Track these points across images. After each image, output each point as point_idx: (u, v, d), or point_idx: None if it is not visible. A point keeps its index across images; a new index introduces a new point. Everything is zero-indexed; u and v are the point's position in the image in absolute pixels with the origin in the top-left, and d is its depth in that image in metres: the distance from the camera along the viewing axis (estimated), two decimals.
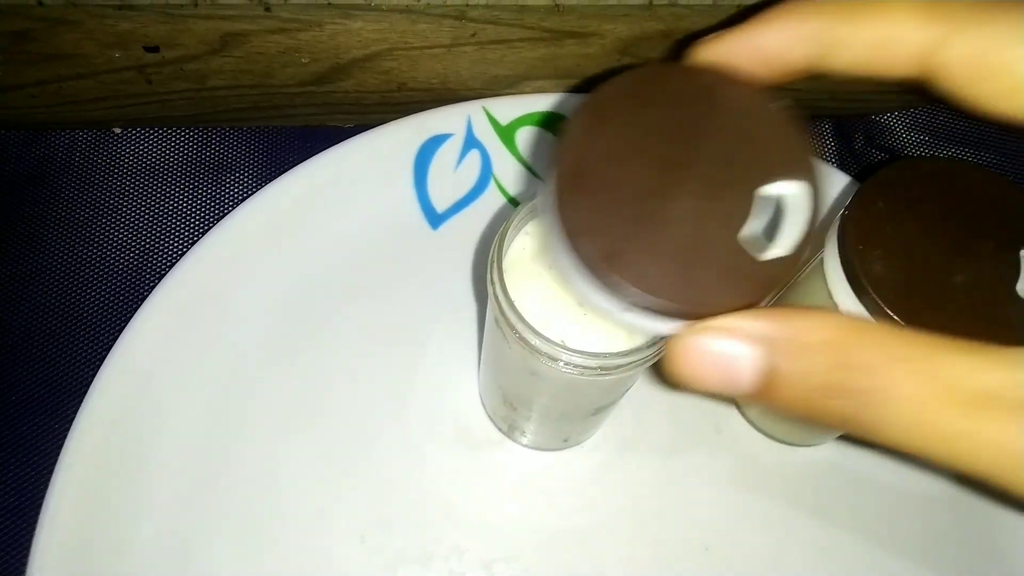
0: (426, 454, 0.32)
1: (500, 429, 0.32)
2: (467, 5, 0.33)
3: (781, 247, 0.18)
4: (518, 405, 0.28)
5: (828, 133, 0.42)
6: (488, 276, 0.21)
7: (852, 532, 0.32)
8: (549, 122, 0.38)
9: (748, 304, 0.18)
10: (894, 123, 0.41)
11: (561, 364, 0.22)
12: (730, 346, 0.17)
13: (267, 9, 0.32)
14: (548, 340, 0.22)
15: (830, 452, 0.34)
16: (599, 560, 0.31)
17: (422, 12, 0.33)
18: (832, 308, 0.25)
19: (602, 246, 0.18)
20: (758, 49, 0.20)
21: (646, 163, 0.19)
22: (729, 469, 0.33)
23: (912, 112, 0.41)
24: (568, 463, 0.33)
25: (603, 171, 0.19)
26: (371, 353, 0.34)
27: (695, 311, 0.18)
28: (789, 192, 0.19)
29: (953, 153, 0.41)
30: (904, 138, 0.41)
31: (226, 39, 0.34)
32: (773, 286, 0.18)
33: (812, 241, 0.18)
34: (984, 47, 0.17)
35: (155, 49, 0.34)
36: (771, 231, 0.19)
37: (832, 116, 0.42)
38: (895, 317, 0.22)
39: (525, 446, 0.33)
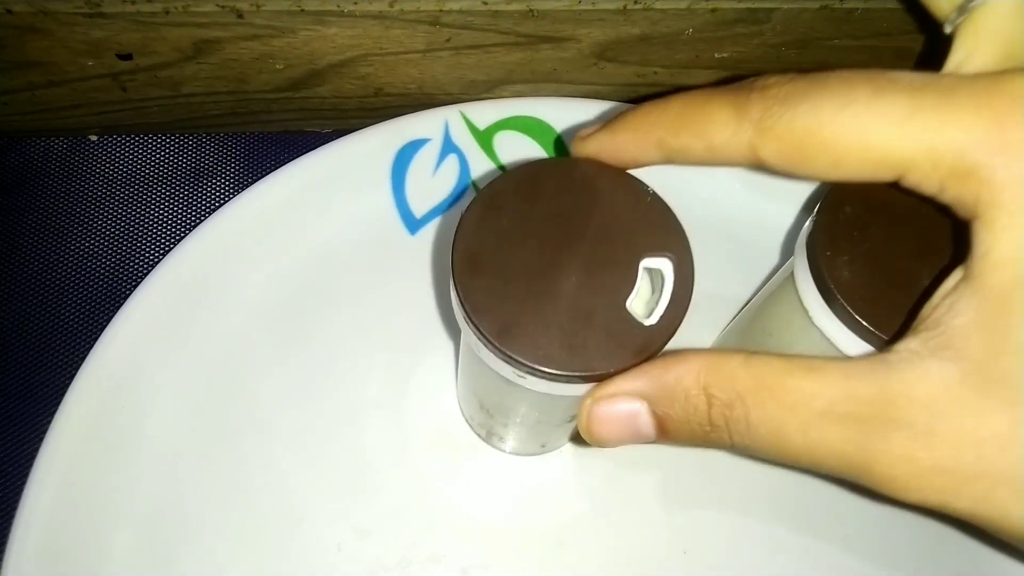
0: (404, 461, 0.32)
1: (479, 435, 0.33)
2: (440, 11, 0.33)
3: (656, 314, 0.21)
4: (494, 412, 0.28)
5: None
6: (452, 284, 0.21)
7: (833, 532, 0.32)
8: (527, 126, 0.38)
9: (631, 365, 0.21)
10: None
11: (527, 379, 0.22)
12: (624, 406, 0.20)
13: (240, 16, 0.32)
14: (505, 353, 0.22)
15: None
16: (577, 565, 0.31)
17: (395, 18, 0.33)
18: (804, 316, 0.25)
19: (497, 323, 0.21)
20: (619, 151, 0.22)
21: (535, 246, 0.22)
22: (709, 472, 0.33)
23: None
24: (547, 468, 0.33)
25: (496, 255, 0.22)
26: (348, 359, 0.34)
27: (584, 376, 0.21)
28: (662, 265, 0.22)
29: None
30: None
31: (200, 46, 0.33)
32: (651, 348, 0.21)
33: (684, 307, 0.21)
34: (795, 140, 0.19)
35: (128, 57, 0.34)
36: (647, 300, 0.22)
37: None
38: (864, 323, 0.23)
39: (503, 451, 0.33)
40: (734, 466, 0.33)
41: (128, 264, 0.37)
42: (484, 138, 0.38)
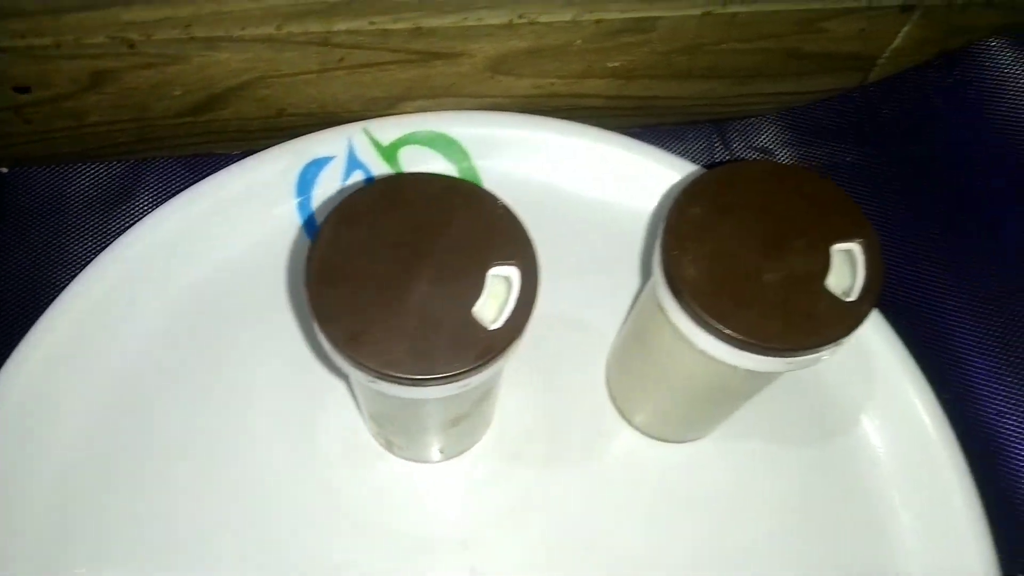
0: (311, 473, 0.33)
1: (381, 445, 0.33)
2: (329, 32, 0.34)
3: (502, 319, 0.22)
4: (380, 421, 0.29)
5: (706, 137, 0.43)
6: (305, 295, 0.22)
7: (726, 519, 0.33)
8: (431, 140, 0.39)
9: (474, 367, 0.22)
10: (770, 124, 0.43)
11: (378, 383, 0.23)
12: None
13: (131, 46, 0.33)
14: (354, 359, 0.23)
15: (704, 445, 0.35)
16: (482, 566, 0.32)
17: (285, 40, 0.34)
18: (661, 313, 0.26)
19: (346, 330, 0.22)
20: None
21: (388, 257, 0.23)
22: (608, 468, 0.34)
23: (788, 113, 0.43)
24: (452, 473, 0.34)
25: (349, 267, 0.23)
26: (256, 375, 0.35)
27: (430, 379, 0.21)
28: (508, 273, 0.23)
29: (829, 147, 0.43)
30: (776, 136, 0.43)
31: (96, 77, 0.34)
32: (494, 351, 0.22)
33: (528, 311, 0.22)
34: None
35: (26, 89, 0.34)
36: (494, 306, 0.23)
37: (710, 120, 0.43)
38: (706, 317, 0.23)
39: (406, 460, 0.33)
40: (632, 460, 0.34)
41: (44, 293, 0.37)
42: (389, 153, 0.39)
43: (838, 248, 0.25)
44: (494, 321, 0.22)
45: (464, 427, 0.30)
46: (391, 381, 0.22)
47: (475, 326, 0.22)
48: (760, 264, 0.24)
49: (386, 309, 0.22)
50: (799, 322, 0.24)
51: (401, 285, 0.23)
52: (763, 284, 0.24)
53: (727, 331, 0.23)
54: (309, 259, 0.23)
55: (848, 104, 0.43)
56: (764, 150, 0.42)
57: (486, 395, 0.28)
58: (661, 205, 0.39)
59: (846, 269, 0.25)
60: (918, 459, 0.35)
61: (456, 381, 0.22)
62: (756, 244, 0.25)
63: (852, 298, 0.24)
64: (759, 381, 0.28)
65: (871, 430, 0.36)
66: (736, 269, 0.24)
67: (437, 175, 0.25)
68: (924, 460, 0.34)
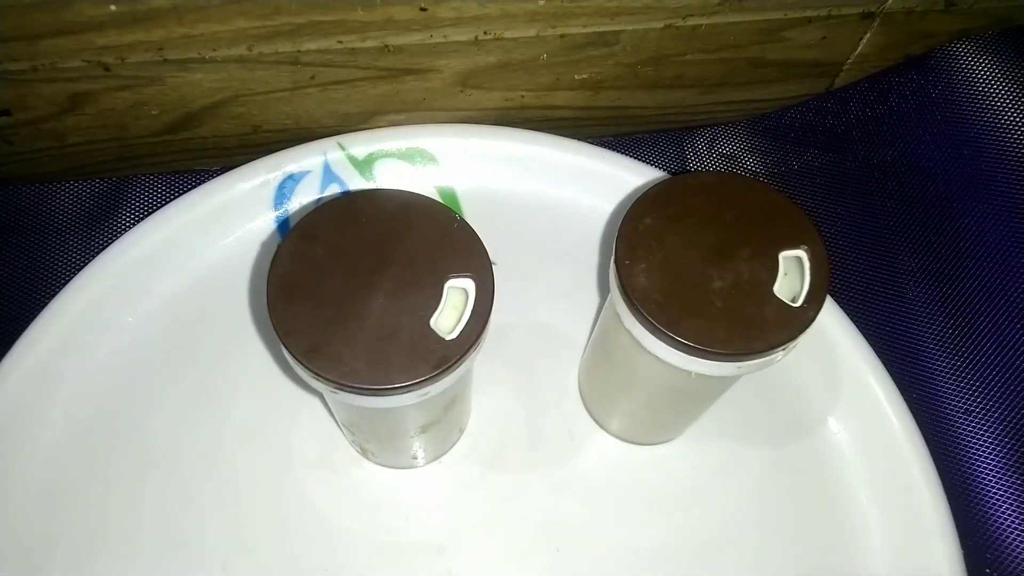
0: (288, 480, 0.34)
1: (356, 451, 0.34)
2: (298, 51, 0.34)
3: (458, 329, 0.23)
4: (352, 428, 0.30)
5: (676, 144, 0.44)
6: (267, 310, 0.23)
7: (698, 518, 0.34)
8: (405, 153, 0.40)
9: (430, 377, 0.23)
10: (739, 131, 0.44)
11: (339, 394, 0.23)
12: None
13: (107, 69, 0.34)
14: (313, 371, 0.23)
15: (674, 447, 0.35)
16: (455, 568, 0.33)
17: (256, 60, 0.35)
18: (618, 320, 0.27)
19: (305, 343, 0.22)
20: None
21: (347, 272, 0.24)
22: (582, 471, 0.35)
23: (750, 120, 0.44)
24: (425, 479, 0.34)
25: (309, 282, 0.23)
26: (234, 385, 0.35)
27: (387, 389, 0.22)
28: (464, 285, 0.24)
29: (796, 152, 0.43)
30: (745, 143, 0.43)
31: (74, 99, 0.35)
32: (450, 361, 0.23)
33: (483, 321, 0.23)
34: None
35: (6, 112, 0.35)
36: (452, 316, 0.24)
37: (680, 128, 0.44)
38: (657, 325, 0.24)
39: (382, 466, 0.34)
40: (604, 463, 0.35)
41: (28, 308, 0.38)
42: (364, 167, 0.40)
43: (785, 255, 0.26)
44: (451, 331, 0.23)
45: (434, 433, 0.31)
46: (351, 391, 0.23)
47: (432, 336, 0.23)
48: (709, 272, 0.25)
49: (345, 322, 0.23)
50: (747, 327, 0.24)
51: (360, 298, 0.23)
52: (712, 291, 0.25)
53: (677, 338, 0.24)
54: (269, 276, 0.23)
55: (814, 109, 0.44)
56: (732, 156, 0.43)
57: (452, 402, 0.29)
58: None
59: (794, 275, 0.26)
60: (885, 458, 0.35)
61: (414, 390, 0.23)
62: (706, 252, 0.26)
63: (799, 303, 0.25)
64: (716, 384, 0.29)
65: (839, 430, 0.37)
66: (686, 277, 0.25)
67: (395, 191, 0.26)
68: (891, 459, 0.35)
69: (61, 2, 0.30)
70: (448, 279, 0.24)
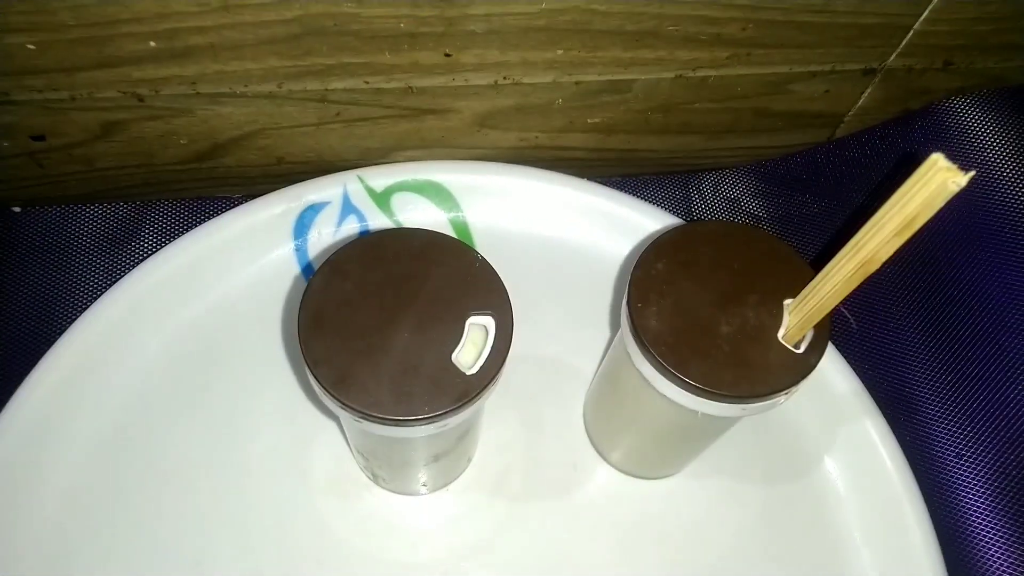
0: (300, 504, 0.35)
1: (367, 477, 0.35)
2: (326, 90, 0.36)
3: (477, 365, 0.24)
4: (368, 456, 0.31)
5: (682, 187, 0.45)
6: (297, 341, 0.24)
7: (695, 553, 0.35)
8: (422, 187, 0.41)
9: (452, 409, 0.24)
10: (742, 176, 0.45)
11: (363, 423, 0.25)
12: None
13: (140, 100, 0.35)
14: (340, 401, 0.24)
15: (676, 482, 0.36)
16: None
17: (285, 97, 0.36)
18: (628, 360, 0.28)
19: (333, 373, 0.24)
20: None
21: (373, 306, 0.25)
22: (584, 502, 0.36)
23: (754, 165, 0.45)
24: (433, 506, 0.35)
25: (338, 315, 0.25)
26: (251, 409, 0.36)
27: (410, 420, 0.23)
28: (484, 322, 0.25)
29: (796, 199, 0.45)
30: (748, 188, 0.45)
31: (107, 127, 0.37)
32: (470, 394, 0.24)
33: (502, 357, 0.24)
34: None
35: (41, 138, 0.37)
36: (472, 352, 0.25)
37: (686, 171, 0.45)
38: (667, 366, 0.26)
39: (392, 492, 0.35)
40: (606, 496, 0.36)
41: (50, 326, 0.39)
42: (382, 199, 0.41)
43: (789, 303, 0.27)
44: (471, 367, 0.24)
45: (445, 463, 0.32)
46: (374, 421, 0.24)
47: (453, 371, 0.24)
48: (717, 317, 0.26)
49: (371, 354, 0.24)
50: (752, 372, 0.26)
51: (385, 332, 0.25)
52: (720, 335, 0.26)
53: (686, 379, 0.25)
54: (301, 308, 0.25)
55: (815, 158, 0.45)
56: (735, 200, 0.45)
57: (465, 433, 0.30)
58: (635, 255, 0.41)
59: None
60: (878, 498, 0.36)
61: (435, 422, 0.24)
62: (714, 298, 0.27)
63: (801, 350, 0.26)
64: (720, 424, 0.30)
65: (834, 469, 0.38)
66: (695, 321, 0.26)
67: (420, 230, 0.27)
68: (884, 499, 0.36)
69: (104, 38, 0.31)
70: (469, 316, 0.25)
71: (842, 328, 0.41)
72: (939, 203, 0.20)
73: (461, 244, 0.27)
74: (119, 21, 0.31)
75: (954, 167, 0.19)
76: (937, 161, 0.19)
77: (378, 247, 0.26)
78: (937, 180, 0.20)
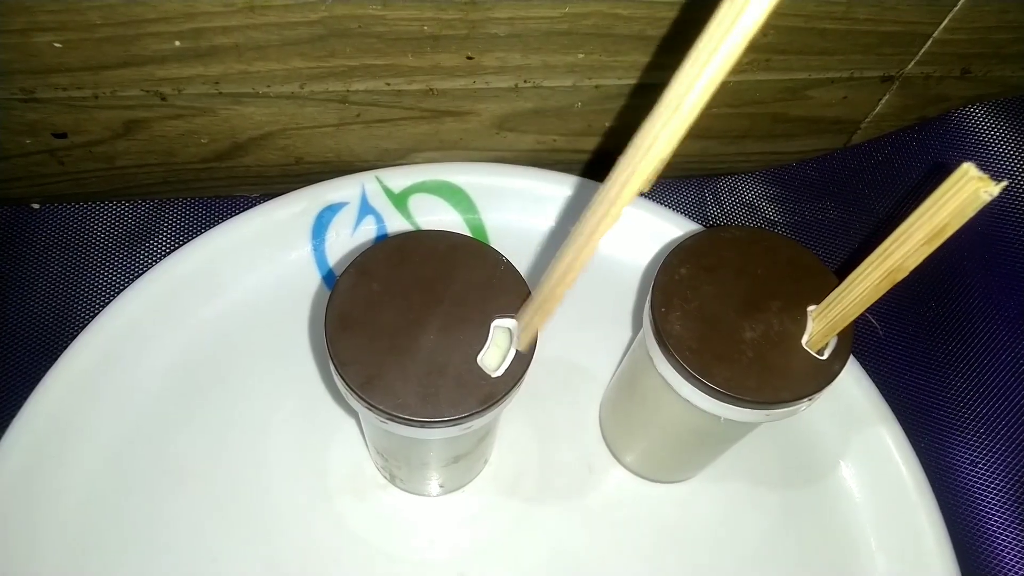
0: (317, 503, 0.35)
1: (385, 478, 0.35)
2: (348, 91, 0.36)
3: (502, 368, 0.24)
4: (388, 456, 0.31)
5: (698, 191, 0.45)
6: (325, 341, 0.24)
7: (709, 558, 0.35)
8: (439, 188, 0.42)
9: (477, 412, 0.24)
10: (758, 181, 0.45)
11: (388, 424, 0.25)
12: None
13: (163, 99, 0.35)
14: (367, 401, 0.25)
15: (691, 487, 0.37)
16: None
17: (307, 98, 0.36)
18: (650, 363, 0.28)
19: (361, 375, 0.24)
20: None
21: (400, 308, 0.25)
22: (599, 505, 0.36)
23: (770, 170, 0.45)
24: (450, 507, 0.35)
25: (365, 316, 0.25)
26: (269, 408, 0.36)
27: (436, 421, 0.23)
28: (510, 325, 0.25)
29: (812, 204, 0.45)
30: (764, 193, 0.45)
31: (129, 125, 0.37)
32: (495, 397, 0.24)
33: (527, 360, 0.25)
34: None
35: (63, 135, 0.37)
36: (497, 355, 0.25)
37: (703, 175, 0.46)
38: (690, 371, 0.26)
39: (408, 492, 0.35)
40: (621, 499, 0.36)
41: (68, 323, 0.39)
42: (399, 200, 0.41)
43: (812, 309, 0.27)
44: (496, 369, 0.24)
45: (464, 464, 0.32)
46: (400, 422, 0.24)
47: (479, 373, 0.24)
48: (741, 322, 0.27)
49: (398, 356, 0.24)
50: (775, 378, 0.26)
51: (412, 334, 0.25)
52: (743, 341, 0.26)
53: (710, 384, 0.26)
54: (328, 308, 0.25)
55: (832, 164, 0.45)
56: (751, 204, 0.45)
57: (486, 435, 0.30)
58: (655, 259, 0.41)
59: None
60: (893, 505, 0.37)
61: (459, 424, 0.24)
62: (737, 303, 0.27)
63: (825, 356, 0.26)
64: (739, 429, 0.30)
65: (849, 476, 0.38)
66: (719, 326, 0.26)
67: (446, 232, 0.27)
68: (899, 506, 0.36)
69: (131, 37, 0.32)
70: (494, 319, 0.25)
71: (868, 334, 0.41)
72: (970, 212, 0.20)
73: (486, 247, 0.27)
74: (146, 20, 0.31)
75: (985, 176, 0.19)
76: (968, 171, 0.20)
77: (404, 249, 0.26)
78: (968, 189, 0.20)
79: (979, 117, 0.44)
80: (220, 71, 0.34)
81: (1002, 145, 0.43)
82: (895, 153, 0.45)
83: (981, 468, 0.38)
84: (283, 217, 0.40)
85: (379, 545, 0.34)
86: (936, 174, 0.44)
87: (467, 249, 0.27)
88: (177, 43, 0.32)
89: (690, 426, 0.30)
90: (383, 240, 0.27)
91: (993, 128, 0.44)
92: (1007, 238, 0.42)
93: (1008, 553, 0.36)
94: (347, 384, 0.24)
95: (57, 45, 0.32)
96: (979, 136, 0.44)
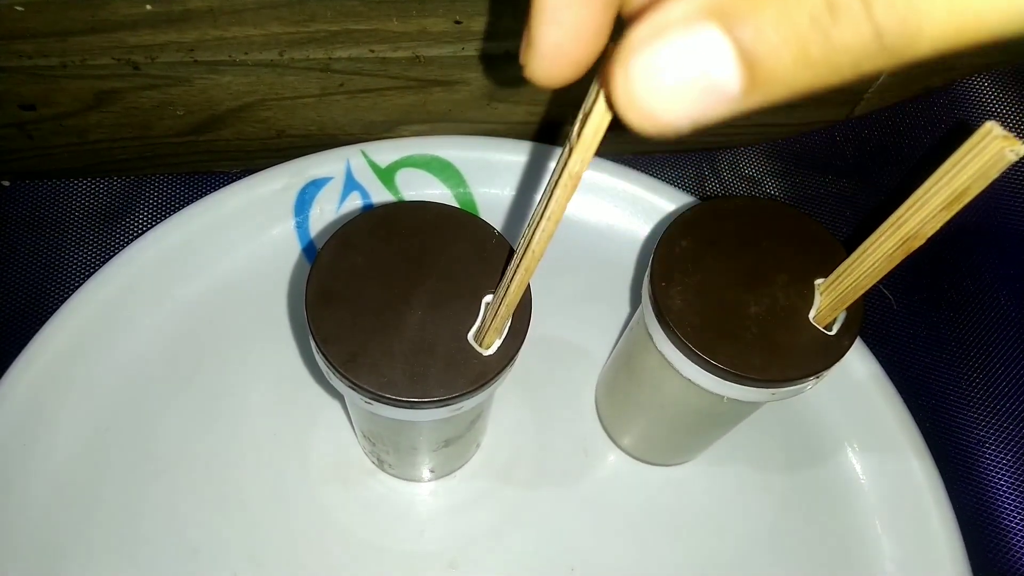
0: (301, 490, 0.33)
1: (372, 462, 0.34)
2: (330, 58, 0.34)
3: (495, 346, 0.23)
4: (374, 440, 0.30)
5: (696, 165, 0.44)
6: (305, 316, 0.23)
7: (708, 542, 0.34)
8: (427, 163, 0.40)
9: (467, 392, 0.22)
10: (758, 154, 0.44)
11: (373, 404, 0.23)
12: (684, 40, 0.12)
13: (136, 68, 0.33)
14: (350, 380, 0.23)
15: (690, 469, 0.35)
16: None
17: (287, 66, 0.34)
18: (648, 340, 0.27)
19: (344, 352, 0.22)
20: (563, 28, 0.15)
21: (386, 282, 0.23)
22: (594, 488, 0.35)
23: (771, 143, 0.44)
24: (440, 493, 0.34)
25: (348, 290, 0.23)
26: (250, 390, 0.35)
27: (424, 402, 0.22)
28: None
29: (814, 177, 0.44)
30: (765, 166, 0.44)
31: (100, 96, 0.35)
32: (487, 376, 0.22)
33: (520, 338, 0.23)
34: None
35: (31, 107, 0.35)
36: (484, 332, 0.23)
37: (702, 149, 0.44)
38: (692, 348, 0.24)
39: (397, 478, 0.34)
40: (617, 482, 0.35)
41: (40, 305, 0.38)
42: (386, 175, 0.40)
43: (820, 283, 0.26)
44: (488, 347, 0.23)
45: (455, 448, 0.30)
46: (386, 403, 0.22)
47: (469, 352, 0.23)
48: (745, 297, 0.25)
49: (383, 332, 0.23)
50: (782, 355, 0.24)
51: (398, 310, 0.23)
52: (748, 316, 0.25)
53: (713, 362, 0.24)
54: (309, 282, 0.23)
55: (833, 136, 0.44)
56: (752, 178, 0.43)
57: (478, 417, 0.29)
58: (652, 234, 0.40)
59: None
60: (899, 486, 0.35)
61: (449, 405, 0.23)
62: (741, 277, 0.26)
63: (833, 332, 0.25)
64: (743, 409, 0.29)
65: (853, 457, 0.37)
66: (722, 301, 0.25)
67: (434, 203, 0.25)
68: (905, 487, 0.35)
69: (98, 0, 0.30)
70: (486, 294, 0.24)
71: (880, 307, 0.40)
72: (994, 173, 0.18)
73: (477, 219, 0.25)
74: None
75: (1011, 135, 0.18)
76: (992, 129, 0.18)
77: (390, 220, 0.25)
78: (992, 149, 0.18)
79: (985, 87, 0.42)
80: (195, 37, 0.32)
81: (1008, 116, 0.42)
82: (899, 125, 0.43)
83: (988, 448, 0.37)
84: (265, 193, 0.38)
85: (367, 533, 0.33)
86: (950, 140, 0.42)
87: (457, 221, 0.25)
88: (148, 7, 0.31)
89: (691, 406, 0.28)
90: (368, 210, 0.25)
91: (1000, 98, 0.42)
92: (1011, 211, 0.40)
93: (1016, 533, 0.35)
94: (329, 362, 0.22)
95: (19, 8, 0.30)
96: (985, 106, 0.43)
